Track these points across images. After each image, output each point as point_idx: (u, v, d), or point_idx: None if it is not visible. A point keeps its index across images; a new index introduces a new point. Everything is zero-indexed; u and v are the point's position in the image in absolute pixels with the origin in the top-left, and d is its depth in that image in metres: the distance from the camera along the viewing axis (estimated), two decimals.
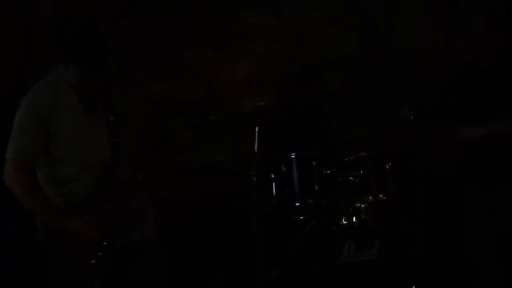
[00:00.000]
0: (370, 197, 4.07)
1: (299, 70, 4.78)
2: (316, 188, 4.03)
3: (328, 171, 4.05)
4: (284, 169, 4.08)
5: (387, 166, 4.09)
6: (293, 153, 4.08)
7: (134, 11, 4.97)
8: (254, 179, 3.82)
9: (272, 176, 4.14)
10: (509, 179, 3.66)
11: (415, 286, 3.89)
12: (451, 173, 4.27)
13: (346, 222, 4.03)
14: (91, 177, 2.70)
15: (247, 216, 3.98)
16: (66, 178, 2.70)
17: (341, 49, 5.47)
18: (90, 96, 2.63)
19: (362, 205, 4.08)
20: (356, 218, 4.05)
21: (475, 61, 3.86)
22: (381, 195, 4.07)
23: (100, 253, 2.67)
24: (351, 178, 4.05)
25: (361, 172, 4.06)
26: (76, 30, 2.55)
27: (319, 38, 5.44)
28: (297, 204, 4.04)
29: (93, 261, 2.67)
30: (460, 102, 3.92)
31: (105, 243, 2.68)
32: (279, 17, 5.39)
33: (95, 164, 2.70)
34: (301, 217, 4.15)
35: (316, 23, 5.44)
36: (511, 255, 3.71)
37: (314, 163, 4.05)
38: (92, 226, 2.63)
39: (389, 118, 4.25)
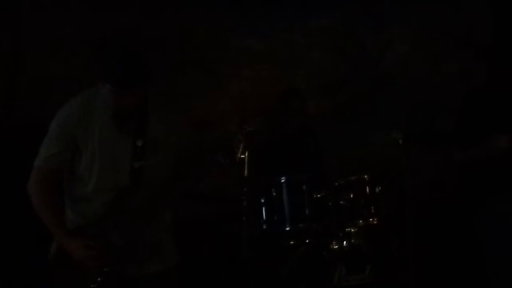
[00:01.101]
0: (361, 221, 4.04)
1: (281, 95, 4.80)
2: (307, 212, 4.00)
3: (319, 195, 4.02)
4: (274, 193, 4.05)
5: (377, 190, 4.08)
6: (283, 177, 4.06)
7: (121, 35, 4.98)
8: (244, 203, 3.79)
9: (262, 200, 4.11)
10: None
11: None
12: (441, 196, 4.32)
13: (337, 246, 4.00)
14: (105, 200, 2.67)
15: (237, 241, 3.95)
16: (82, 197, 2.70)
17: (329, 74, 5.50)
18: (123, 117, 2.60)
19: (353, 229, 4.05)
20: (346, 243, 4.02)
21: (468, 90, 4.06)
22: (371, 219, 4.05)
23: (100, 279, 2.62)
24: (341, 202, 4.02)
25: (351, 196, 4.04)
26: (115, 49, 2.59)
27: (307, 63, 5.48)
28: (288, 228, 4.01)
29: (92, 286, 2.62)
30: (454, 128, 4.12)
31: (106, 269, 2.63)
32: (267, 42, 5.43)
33: (112, 187, 2.67)
34: (292, 242, 4.12)
35: (304, 48, 5.49)
36: None
37: (304, 187, 4.03)
38: (90, 252, 2.59)
39: (378, 142, 4.25)
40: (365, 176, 4.11)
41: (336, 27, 5.49)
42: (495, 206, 3.85)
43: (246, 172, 3.80)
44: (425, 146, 4.35)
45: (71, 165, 2.68)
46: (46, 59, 4.89)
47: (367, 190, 4.08)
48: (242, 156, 2.98)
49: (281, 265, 4.07)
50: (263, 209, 4.11)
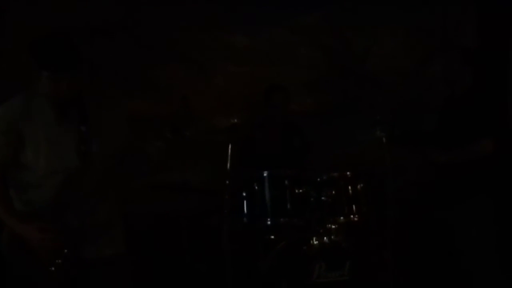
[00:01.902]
0: (342, 217, 4.04)
1: (264, 90, 4.79)
2: (288, 207, 3.98)
3: (301, 191, 4.01)
4: (256, 187, 4.03)
5: (359, 187, 4.09)
6: (266, 172, 4.05)
7: (108, 28, 4.96)
8: (226, 197, 3.78)
9: (244, 194, 4.09)
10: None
11: None
12: (424, 196, 4.35)
13: (317, 242, 4.00)
14: (54, 184, 2.73)
15: (217, 235, 3.93)
16: (31, 183, 2.73)
17: (314, 71, 5.50)
18: (62, 105, 2.70)
19: (334, 226, 4.05)
20: (327, 239, 4.02)
21: (452, 93, 4.16)
22: (352, 216, 4.06)
23: (60, 261, 2.65)
24: (323, 198, 4.02)
25: (333, 192, 4.04)
26: (47, 37, 2.67)
27: (292, 59, 5.48)
28: (269, 222, 3.99)
29: (53, 268, 2.65)
30: (435, 129, 4.23)
31: (66, 250, 2.66)
32: (253, 37, 5.42)
33: (60, 171, 2.72)
34: (272, 237, 4.11)
35: (290, 44, 5.48)
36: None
37: (286, 182, 4.01)
38: (46, 234, 2.63)
39: (362, 140, 4.26)
40: (348, 173, 4.11)
41: (322, 24, 5.49)
42: (470, 208, 3.91)
43: (228, 165, 3.80)
44: (408, 146, 4.37)
45: (16, 156, 2.71)
46: None
47: (349, 187, 4.08)
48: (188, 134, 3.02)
49: (261, 260, 4.06)
50: (245, 202, 4.09)
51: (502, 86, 5.26)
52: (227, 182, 3.79)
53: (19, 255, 2.72)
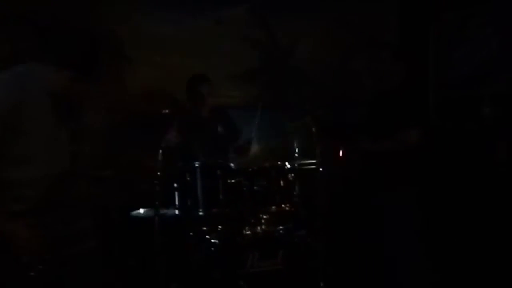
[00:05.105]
0: (274, 207, 4.06)
1: (188, 80, 4.75)
2: (221, 197, 3.97)
3: (233, 181, 4.01)
4: (188, 178, 3.99)
5: (290, 177, 4.12)
6: (198, 162, 4.01)
7: (33, 16, 4.77)
8: (157, 188, 3.71)
9: (175, 185, 4.04)
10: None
11: None
12: (352, 185, 4.44)
13: (250, 232, 4.01)
14: (44, 184, 2.54)
15: (148, 227, 3.85)
16: (19, 182, 2.51)
17: (241, 64, 5.51)
18: (63, 102, 2.53)
19: (266, 215, 4.07)
20: (260, 228, 4.03)
21: (378, 87, 4.25)
22: (284, 205, 4.08)
23: (41, 267, 2.48)
24: (255, 188, 4.03)
25: (265, 182, 4.05)
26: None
27: (219, 52, 5.46)
28: (201, 213, 3.96)
29: (33, 273, 2.47)
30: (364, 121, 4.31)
31: (47, 256, 2.50)
32: (179, 29, 5.36)
33: (51, 171, 2.54)
34: (205, 228, 4.08)
35: (217, 36, 5.46)
36: None
37: (218, 172, 3.99)
38: (32, 234, 2.45)
39: (292, 131, 4.30)
40: (279, 163, 4.13)
41: (248, 16, 5.51)
42: (396, 196, 4.02)
43: (160, 156, 3.74)
44: (337, 136, 4.44)
45: (6, 150, 2.49)
46: None
47: (281, 177, 4.10)
48: None
49: (193, 251, 4.02)
50: (176, 194, 4.04)
51: (423, 80, 5.46)
52: (159, 173, 3.72)
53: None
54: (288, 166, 4.13)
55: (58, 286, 2.60)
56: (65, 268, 2.60)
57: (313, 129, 4.04)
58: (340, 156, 4.28)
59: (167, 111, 3.89)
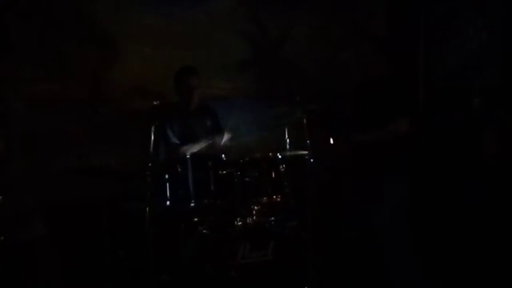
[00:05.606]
0: (265, 198, 4.07)
1: (176, 72, 4.72)
2: (212, 188, 3.97)
3: (224, 172, 4.01)
4: (179, 169, 3.99)
5: (281, 168, 4.13)
6: (189, 154, 4.01)
7: (20, 5, 4.75)
8: (149, 179, 3.71)
9: (167, 176, 4.03)
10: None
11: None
12: (342, 176, 4.47)
13: (241, 223, 4.02)
14: None
15: (139, 219, 3.85)
16: None
17: (232, 55, 5.51)
18: None
19: (257, 206, 4.08)
20: (250, 219, 4.05)
21: (367, 79, 4.31)
22: (275, 197, 4.09)
23: None
24: (247, 179, 4.04)
25: (256, 173, 4.06)
26: None
27: (209, 44, 5.45)
28: (192, 204, 3.95)
29: None
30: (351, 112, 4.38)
31: (2, 237, 2.52)
32: (170, 21, 5.35)
33: None
34: (196, 219, 4.08)
35: (207, 28, 5.45)
36: None
37: (210, 163, 4.00)
38: None
39: (283, 122, 4.30)
40: (270, 155, 4.14)
41: (240, 10, 5.50)
42: (384, 186, 4.07)
43: (151, 148, 3.73)
44: (327, 127, 4.45)
45: None
46: None
47: (272, 168, 4.11)
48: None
49: (184, 242, 4.02)
50: (167, 185, 4.03)
51: (413, 72, 5.49)
52: (150, 164, 3.71)
53: None
54: (280, 156, 4.15)
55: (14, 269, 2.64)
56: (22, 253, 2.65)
57: (304, 121, 4.04)
58: (331, 147, 4.30)
59: (157, 102, 3.87)
